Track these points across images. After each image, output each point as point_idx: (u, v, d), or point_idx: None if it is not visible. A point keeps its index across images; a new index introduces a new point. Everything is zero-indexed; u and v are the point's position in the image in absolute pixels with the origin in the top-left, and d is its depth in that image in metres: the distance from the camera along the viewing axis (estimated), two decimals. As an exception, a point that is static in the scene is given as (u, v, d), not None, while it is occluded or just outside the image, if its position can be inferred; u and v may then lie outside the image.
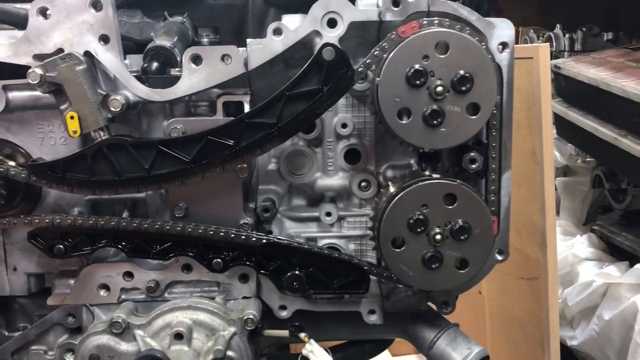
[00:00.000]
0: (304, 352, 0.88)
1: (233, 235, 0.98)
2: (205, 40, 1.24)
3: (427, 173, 0.99)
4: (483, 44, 0.93)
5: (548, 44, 1.74)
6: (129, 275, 1.04)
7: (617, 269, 2.12)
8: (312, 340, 0.89)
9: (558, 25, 2.93)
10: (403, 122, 0.91)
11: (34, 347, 1.09)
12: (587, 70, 2.12)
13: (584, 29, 2.90)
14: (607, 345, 2.01)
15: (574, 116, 2.21)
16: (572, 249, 2.31)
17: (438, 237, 0.93)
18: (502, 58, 0.98)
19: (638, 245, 2.15)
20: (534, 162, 1.93)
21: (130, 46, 1.18)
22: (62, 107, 0.94)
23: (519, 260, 2.06)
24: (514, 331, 2.19)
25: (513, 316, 2.20)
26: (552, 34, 2.90)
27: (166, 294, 1.05)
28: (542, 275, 1.97)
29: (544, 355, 1.99)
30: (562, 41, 2.89)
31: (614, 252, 2.33)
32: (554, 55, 2.75)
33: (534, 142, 1.89)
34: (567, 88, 2.31)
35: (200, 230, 0.98)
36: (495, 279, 2.29)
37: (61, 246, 0.99)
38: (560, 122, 2.38)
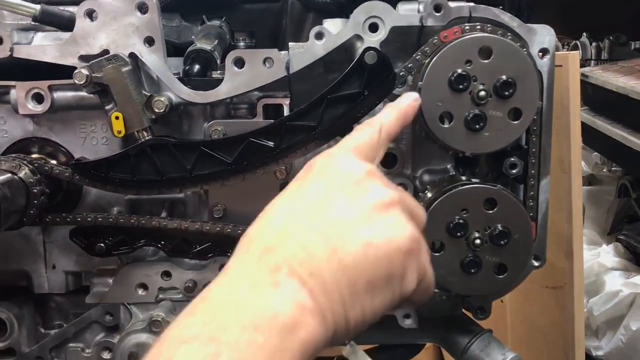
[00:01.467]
0: (344, 353, 0.89)
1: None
2: (241, 44, 1.25)
3: (464, 178, 1.00)
4: (525, 49, 0.93)
5: (577, 52, 1.74)
6: (167, 274, 1.05)
7: (644, 279, 2.10)
8: (352, 342, 0.90)
9: (584, 34, 2.92)
10: (445, 126, 0.92)
11: (71, 345, 1.10)
12: (616, 78, 2.11)
13: (611, 37, 2.88)
14: (634, 355, 1.99)
15: (602, 125, 2.20)
16: (598, 258, 2.29)
17: (477, 241, 0.93)
18: (543, 64, 0.98)
19: (666, 255, 2.13)
20: (561, 170, 1.92)
21: (169, 49, 1.19)
22: (108, 107, 0.96)
23: (544, 268, 2.03)
24: (537, 340, 2.17)
25: (536, 325, 2.18)
26: (578, 43, 2.89)
27: (203, 294, 1.06)
28: (568, 284, 1.96)
29: (569, 365, 1.97)
30: (588, 50, 2.87)
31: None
32: (581, 64, 2.74)
33: (562, 150, 1.88)
34: (594, 96, 2.30)
35: (240, 231, 0.99)
36: (519, 288, 2.27)
37: (102, 245, 1.00)
38: (586, 131, 2.36)
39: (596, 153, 2.62)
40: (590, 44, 2.88)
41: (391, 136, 0.79)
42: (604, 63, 2.74)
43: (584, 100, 2.40)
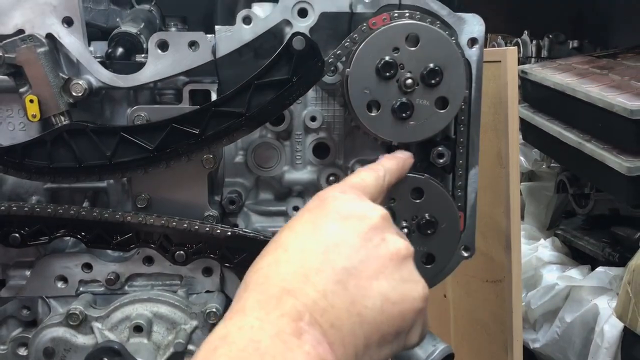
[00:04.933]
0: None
1: (197, 227, 0.96)
2: (173, 29, 1.21)
3: (394, 168, 0.99)
4: (453, 38, 0.93)
5: (516, 47, 1.77)
6: (87, 267, 1.01)
7: (579, 272, 2.15)
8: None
9: (525, 32, 2.99)
10: (372, 114, 0.90)
11: (-15, 341, 1.04)
12: (553, 75, 2.15)
13: (550, 36, 2.96)
14: (568, 347, 2.04)
15: (540, 121, 2.24)
16: (536, 252, 2.34)
17: (405, 231, 0.92)
18: (472, 54, 0.98)
19: (599, 249, 2.19)
20: (499, 165, 1.95)
21: (96, 33, 1.15)
22: (22, 90, 0.91)
23: (484, 263, 2.07)
24: (478, 334, 2.20)
25: (477, 319, 2.21)
26: (519, 40, 2.96)
27: (126, 287, 1.02)
28: (507, 277, 1.99)
29: (507, 358, 2.01)
30: (529, 47, 2.94)
31: (576, 256, 2.37)
32: (521, 62, 2.79)
33: (500, 145, 1.91)
34: (534, 93, 2.34)
35: (163, 221, 0.96)
36: (460, 282, 2.30)
37: (17, 235, 0.95)
38: (526, 127, 2.41)
39: (536, 150, 2.67)
40: (531, 42, 2.95)
41: (391, 184, 0.81)
42: (544, 61, 2.81)
43: (524, 97, 2.45)
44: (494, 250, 2.05)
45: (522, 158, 2.71)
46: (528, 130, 2.40)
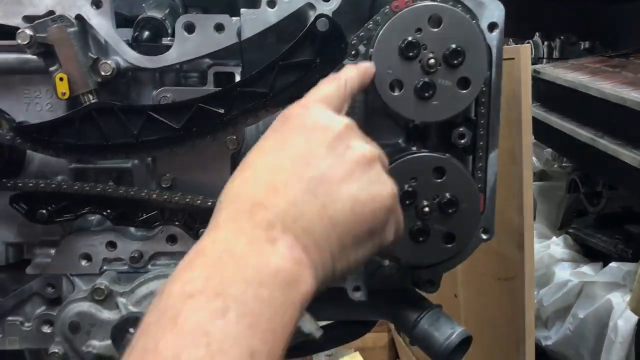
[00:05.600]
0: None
1: (221, 205, 0.97)
2: (191, 15, 1.23)
3: (415, 149, 1.00)
4: (474, 21, 0.95)
5: (529, 45, 1.78)
6: (112, 245, 1.02)
7: (591, 268, 2.16)
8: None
9: (537, 34, 3.01)
10: (395, 94, 0.92)
11: (10, 318, 1.05)
12: (566, 74, 2.16)
13: (562, 37, 2.98)
14: (581, 343, 2.04)
15: (553, 119, 2.25)
16: (548, 250, 2.34)
17: (426, 209, 0.93)
18: (492, 38, 0.99)
19: (612, 245, 2.19)
20: (512, 163, 1.96)
21: (119, 21, 1.17)
22: (52, 68, 0.93)
23: (496, 260, 2.08)
24: (490, 332, 2.20)
25: (489, 318, 2.21)
26: (531, 42, 2.97)
27: (149, 266, 1.03)
28: (519, 274, 1.99)
29: (519, 356, 2.01)
30: (540, 49, 2.96)
31: (588, 253, 2.37)
32: (533, 62, 2.80)
33: (514, 142, 1.92)
34: (546, 92, 2.35)
35: (188, 199, 0.97)
36: (471, 281, 2.31)
37: (44, 211, 0.97)
38: (538, 126, 2.41)
39: (548, 149, 2.68)
40: (543, 44, 2.97)
41: (354, 92, 0.81)
42: (556, 61, 2.82)
43: (536, 97, 2.46)
44: (506, 247, 2.05)
45: (533, 158, 2.71)
46: (540, 129, 2.41)
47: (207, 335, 0.49)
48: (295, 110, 0.72)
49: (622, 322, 1.83)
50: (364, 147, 0.70)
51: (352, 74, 0.82)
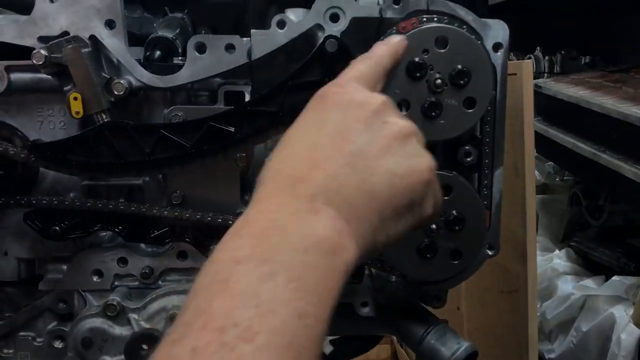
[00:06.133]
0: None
1: (231, 222, 0.99)
2: (202, 35, 1.25)
3: (421, 167, 1.02)
4: (480, 42, 0.97)
5: (531, 60, 1.80)
6: (123, 261, 1.04)
7: (594, 282, 2.17)
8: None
9: (538, 48, 3.03)
10: (403, 113, 0.94)
11: (22, 333, 1.07)
12: (567, 88, 2.19)
13: (563, 52, 3.01)
14: (584, 357, 2.04)
15: (554, 133, 2.27)
16: (551, 263, 2.35)
17: (433, 226, 0.95)
18: (497, 58, 1.01)
19: (614, 259, 2.20)
20: (515, 176, 1.98)
21: (129, 39, 1.19)
22: (66, 88, 0.95)
23: (499, 273, 2.09)
24: (493, 346, 2.21)
25: (492, 331, 2.22)
26: (532, 56, 3.00)
27: (160, 282, 1.05)
28: (522, 287, 2.00)
29: (522, 369, 2.01)
30: (542, 63, 2.98)
31: (590, 267, 2.38)
32: (534, 77, 2.83)
33: (516, 156, 1.94)
34: (547, 106, 2.38)
35: (198, 216, 0.99)
36: (474, 294, 2.31)
37: (57, 228, 0.98)
38: (540, 140, 2.43)
39: (549, 163, 2.70)
40: (544, 58, 2.99)
41: (387, 70, 0.83)
42: (557, 76, 2.85)
43: (538, 111, 2.48)
44: (509, 260, 2.06)
45: (535, 171, 2.73)
46: (542, 143, 2.43)
47: (257, 297, 0.51)
48: (331, 89, 0.74)
49: (625, 335, 1.84)
50: (400, 123, 0.71)
51: (383, 52, 0.85)
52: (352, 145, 0.66)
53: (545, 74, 2.95)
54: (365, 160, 0.66)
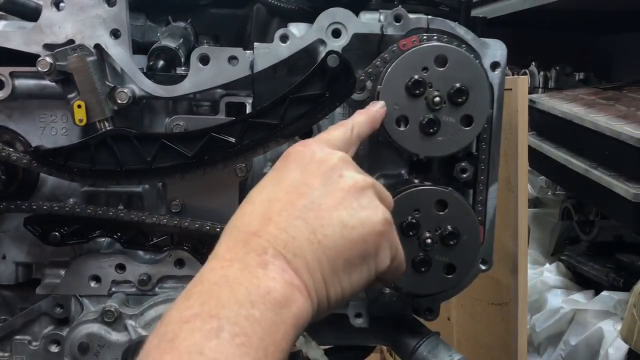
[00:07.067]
0: (298, 344, 0.91)
1: (229, 231, 1.00)
2: (205, 47, 1.27)
3: (417, 181, 1.04)
4: (478, 61, 0.99)
5: (526, 76, 1.83)
6: (121, 267, 1.05)
7: (583, 296, 2.19)
8: (305, 333, 0.91)
9: (533, 63, 3.07)
10: (401, 129, 0.96)
11: (18, 337, 1.07)
12: (561, 105, 2.22)
13: (557, 67, 3.05)
14: (572, 370, 2.07)
15: (547, 148, 2.30)
16: (541, 276, 2.37)
17: (428, 241, 0.97)
18: (494, 77, 1.04)
19: (603, 274, 2.23)
20: (508, 190, 2.00)
21: (133, 47, 1.20)
22: (70, 95, 0.96)
23: (490, 285, 2.11)
24: (482, 356, 2.22)
25: (481, 342, 2.23)
26: (527, 71, 3.04)
27: (157, 289, 1.06)
28: (512, 300, 2.02)
29: (511, 381, 2.03)
30: (536, 78, 3.02)
31: (580, 281, 2.40)
32: (529, 92, 2.87)
33: (510, 170, 1.96)
34: (541, 121, 2.40)
35: (197, 225, 1.00)
36: (465, 305, 2.33)
37: (57, 234, 0.99)
38: (533, 155, 2.46)
39: (542, 177, 2.72)
40: (539, 73, 3.03)
41: (361, 136, 0.86)
42: (551, 91, 2.88)
43: (532, 126, 2.51)
44: (500, 272, 2.08)
45: (528, 185, 2.76)
46: (535, 158, 2.46)
47: (202, 355, 0.52)
48: (295, 148, 0.76)
49: (613, 350, 1.86)
50: (355, 177, 0.73)
51: (360, 120, 0.87)
52: (306, 199, 0.68)
53: (540, 89, 2.98)
54: (317, 212, 0.68)
